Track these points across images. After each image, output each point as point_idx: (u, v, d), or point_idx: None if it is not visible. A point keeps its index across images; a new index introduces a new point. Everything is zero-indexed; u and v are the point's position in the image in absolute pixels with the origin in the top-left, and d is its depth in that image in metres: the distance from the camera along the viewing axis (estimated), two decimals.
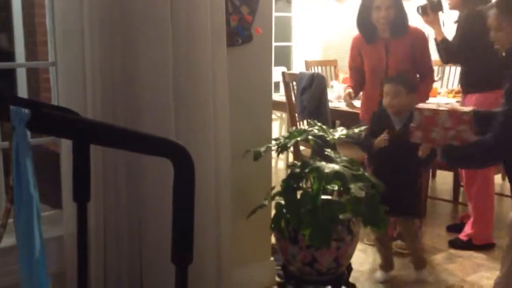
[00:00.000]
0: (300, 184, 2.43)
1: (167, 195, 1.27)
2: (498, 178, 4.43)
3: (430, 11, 3.29)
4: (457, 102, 4.03)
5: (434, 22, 3.31)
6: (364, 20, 3.38)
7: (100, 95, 2.00)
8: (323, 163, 2.29)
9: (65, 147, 2.04)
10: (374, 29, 3.31)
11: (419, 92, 3.12)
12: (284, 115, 5.07)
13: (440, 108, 2.33)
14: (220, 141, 2.27)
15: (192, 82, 2.13)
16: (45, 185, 2.70)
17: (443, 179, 4.64)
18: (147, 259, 2.18)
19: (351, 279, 2.67)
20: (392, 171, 2.77)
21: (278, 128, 5.57)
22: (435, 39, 3.35)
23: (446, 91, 4.46)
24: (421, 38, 3.30)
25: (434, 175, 4.73)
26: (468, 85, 3.35)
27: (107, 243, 2.11)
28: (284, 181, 2.38)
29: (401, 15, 3.26)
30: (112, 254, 2.12)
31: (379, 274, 3.01)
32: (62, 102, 2.07)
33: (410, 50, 3.27)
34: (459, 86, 3.54)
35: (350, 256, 2.49)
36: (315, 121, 2.69)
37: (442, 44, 3.31)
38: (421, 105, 2.46)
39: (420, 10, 3.34)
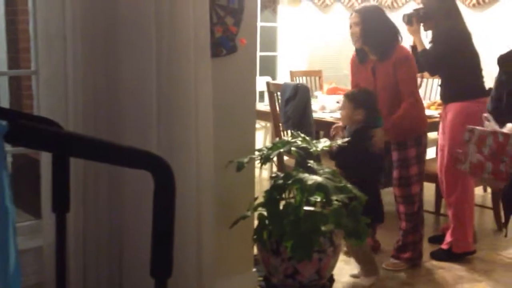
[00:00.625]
0: (283, 195, 2.43)
1: (148, 207, 1.27)
2: (479, 190, 4.48)
3: (415, 21, 3.36)
4: (439, 114, 4.08)
5: (417, 32, 3.39)
6: None
7: (82, 104, 1.98)
8: (306, 174, 2.29)
9: (45, 157, 2.02)
10: (364, 50, 3.28)
11: (395, 114, 3.10)
12: (269, 124, 5.08)
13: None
14: (203, 151, 2.26)
15: (175, 92, 2.12)
16: (27, 194, 2.68)
17: (425, 191, 4.66)
18: (127, 271, 2.15)
19: None
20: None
21: (263, 137, 5.57)
22: (413, 47, 3.43)
23: (428, 103, 4.50)
24: (402, 59, 3.14)
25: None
26: (448, 96, 3.40)
27: (86, 254, 2.09)
28: (267, 192, 2.38)
29: (383, 39, 3.16)
30: (92, 265, 2.09)
31: (364, 280, 3.01)
32: (43, 110, 2.05)
33: (393, 73, 3.17)
34: (440, 97, 3.57)
35: (332, 268, 2.49)
36: (299, 132, 2.70)
37: (422, 55, 3.36)
38: (489, 128, 2.35)
39: (405, 19, 3.40)
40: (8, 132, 1.01)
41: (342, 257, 3.05)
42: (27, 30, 2.24)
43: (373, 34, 3.17)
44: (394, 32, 3.19)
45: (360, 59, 3.33)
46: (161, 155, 1.95)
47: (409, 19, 3.39)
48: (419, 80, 4.53)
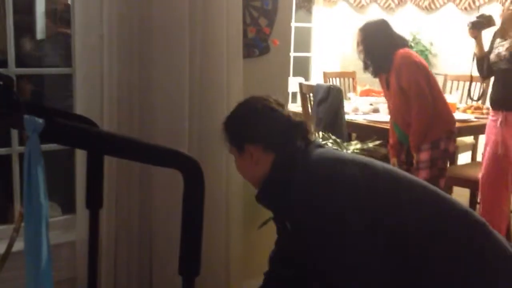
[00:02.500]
0: None
1: (179, 206, 1.28)
2: None
3: (479, 27, 3.29)
4: (476, 118, 3.99)
5: (478, 37, 3.31)
6: None
7: (116, 103, 2.02)
8: None
9: (80, 154, 2.06)
10: None
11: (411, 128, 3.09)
12: None
13: None
14: None
15: (207, 93, 2.14)
16: (64, 189, 2.74)
17: (459, 196, 4.58)
18: (157, 268, 2.19)
19: None
20: None
21: None
22: (475, 54, 3.35)
23: (464, 107, 4.41)
24: (399, 66, 3.10)
25: (450, 191, 4.68)
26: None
27: (118, 250, 2.13)
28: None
29: (379, 54, 3.15)
30: (123, 261, 2.13)
31: None
32: (80, 109, 2.10)
33: (397, 82, 3.14)
34: (496, 103, 3.25)
35: None
36: (330, 134, 2.68)
37: (481, 61, 3.30)
38: None
39: (470, 24, 3.32)
40: (44, 129, 1.04)
41: None
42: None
43: (372, 50, 3.18)
44: (393, 44, 3.15)
45: (371, 73, 3.34)
46: (192, 155, 1.98)
47: (475, 25, 3.30)
48: (441, 79, 4.42)
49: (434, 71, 6.38)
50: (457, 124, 3.64)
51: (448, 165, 3.28)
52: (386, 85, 3.29)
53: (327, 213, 1.39)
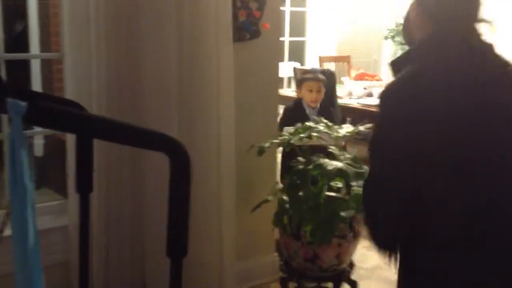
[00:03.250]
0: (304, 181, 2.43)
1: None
2: None
3: None
4: None
5: None
6: None
7: (105, 86, 2.02)
8: (327, 160, 2.29)
9: (70, 138, 2.07)
10: None
11: None
12: None
13: None
14: (224, 135, 2.29)
15: (196, 76, 2.14)
16: (57, 175, 2.74)
17: None
18: (148, 251, 2.21)
19: (354, 276, 2.67)
20: None
21: None
22: None
23: None
24: None
25: None
26: None
27: (109, 234, 2.14)
28: (288, 177, 2.39)
29: None
30: (114, 244, 2.15)
31: None
32: (69, 92, 2.11)
33: None
34: None
35: (352, 253, 2.49)
36: (322, 117, 2.69)
37: None
38: None
39: None
40: (27, 112, 1.04)
41: (364, 243, 3.05)
42: (58, 14, 2.29)
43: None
44: None
45: None
46: (182, 139, 1.99)
47: None
48: None
49: None
50: None
51: None
52: None
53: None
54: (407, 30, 1.54)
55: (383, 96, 1.38)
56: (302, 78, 3.48)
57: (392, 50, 6.34)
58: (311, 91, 3.32)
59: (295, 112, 3.30)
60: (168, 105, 2.08)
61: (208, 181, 2.28)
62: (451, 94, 1.32)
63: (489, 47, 1.42)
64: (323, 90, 3.35)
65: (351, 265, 2.61)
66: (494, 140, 1.33)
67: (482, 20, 1.43)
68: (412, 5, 1.51)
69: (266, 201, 2.49)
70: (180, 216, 1.29)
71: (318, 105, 3.37)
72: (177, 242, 1.30)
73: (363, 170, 2.28)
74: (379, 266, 3.10)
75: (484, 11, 1.45)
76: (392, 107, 1.35)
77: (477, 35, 1.42)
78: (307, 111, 3.34)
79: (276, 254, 2.92)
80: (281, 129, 2.93)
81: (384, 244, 1.40)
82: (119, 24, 2.02)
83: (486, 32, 1.44)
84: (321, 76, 3.41)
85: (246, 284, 2.76)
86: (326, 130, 2.40)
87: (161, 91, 2.07)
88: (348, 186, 2.22)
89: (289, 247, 2.49)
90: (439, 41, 1.41)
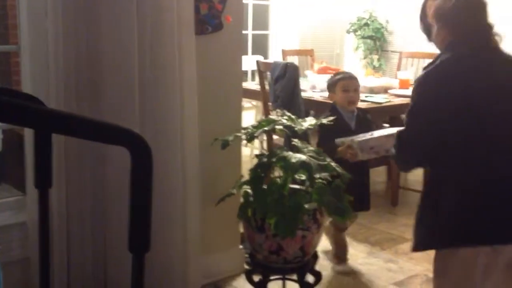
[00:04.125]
0: (268, 174, 2.44)
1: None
2: None
3: None
4: None
5: None
6: None
7: (63, 80, 1.98)
8: (290, 153, 2.30)
9: (28, 133, 2.02)
10: None
11: None
12: (260, 103, 5.08)
13: None
14: (187, 129, 2.27)
15: (158, 70, 2.12)
16: (16, 170, 2.67)
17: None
18: (111, 246, 2.18)
19: (317, 267, 2.70)
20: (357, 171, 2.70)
21: (254, 117, 5.57)
22: None
23: None
24: None
25: None
26: None
27: (70, 230, 2.11)
28: (251, 170, 2.39)
29: None
30: (76, 240, 2.12)
31: (341, 267, 3.05)
32: (27, 86, 2.06)
33: None
34: None
35: (316, 245, 2.52)
36: (285, 111, 2.70)
37: None
38: None
39: None
40: None
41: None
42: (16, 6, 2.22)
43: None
44: None
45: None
46: (144, 133, 1.97)
47: None
48: (397, 57, 4.43)
49: (389, 48, 6.50)
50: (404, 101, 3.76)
51: None
52: None
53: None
54: (435, 40, 1.95)
55: (418, 82, 1.87)
56: (334, 79, 3.10)
57: (354, 43, 6.42)
58: (347, 91, 2.97)
59: (333, 120, 2.64)
60: (129, 99, 2.05)
61: (171, 175, 2.26)
62: (467, 81, 1.77)
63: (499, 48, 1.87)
64: (359, 89, 3.06)
65: (315, 256, 2.63)
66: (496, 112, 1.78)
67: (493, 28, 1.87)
68: (436, 22, 1.90)
69: (230, 194, 2.48)
70: (142, 211, 1.28)
71: (355, 109, 3.01)
72: (139, 238, 1.29)
73: (326, 163, 2.30)
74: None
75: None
76: (425, 90, 1.83)
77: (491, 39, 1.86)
78: (345, 117, 2.97)
79: (241, 247, 2.93)
80: (323, 145, 2.69)
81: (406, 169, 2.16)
82: (78, 16, 1.98)
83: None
84: (354, 75, 3.15)
85: (212, 279, 2.76)
86: (289, 123, 2.42)
87: (122, 85, 2.04)
88: (311, 179, 2.24)
89: (253, 240, 2.49)
90: (455, 46, 1.85)
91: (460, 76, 1.79)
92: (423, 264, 3.11)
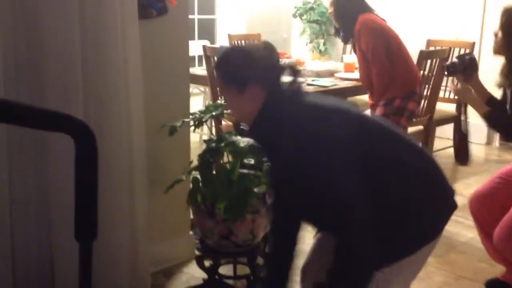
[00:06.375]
0: (217, 159, 2.44)
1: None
2: None
3: (460, 73, 2.45)
4: None
5: (466, 92, 2.45)
6: None
7: (2, 67, 1.90)
8: (239, 137, 2.31)
9: None
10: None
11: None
12: (208, 89, 5.05)
13: None
14: (133, 116, 2.24)
15: (100, 55, 2.07)
16: None
17: None
18: (56, 234, 2.12)
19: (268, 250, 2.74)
20: None
21: (202, 103, 5.54)
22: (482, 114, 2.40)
23: None
24: (358, 31, 3.25)
25: None
26: None
27: (14, 218, 2.04)
28: (200, 155, 2.38)
29: (346, 20, 3.31)
30: (20, 228, 2.05)
31: None
32: None
33: (358, 47, 3.34)
34: None
35: (266, 228, 2.55)
36: None
37: (492, 118, 2.38)
38: None
39: (446, 70, 2.51)
40: None
41: None
42: None
43: (342, 13, 3.30)
44: (360, 9, 3.29)
45: (342, 38, 3.46)
46: (88, 120, 1.92)
47: (452, 70, 2.46)
48: None
49: None
50: (350, 84, 3.86)
51: (406, 122, 3.37)
52: (354, 50, 3.46)
53: (312, 157, 1.58)
54: (241, 110, 1.75)
55: (297, 151, 1.60)
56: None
57: (301, 28, 6.46)
58: None
59: None
60: (71, 84, 1.99)
61: (118, 163, 2.23)
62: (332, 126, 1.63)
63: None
64: None
65: (265, 239, 2.67)
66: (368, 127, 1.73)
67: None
68: (237, 90, 1.69)
69: (179, 180, 2.47)
70: (87, 199, 1.25)
71: None
72: (86, 226, 1.26)
73: None
74: None
75: None
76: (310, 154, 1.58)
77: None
78: None
79: (191, 233, 2.93)
80: None
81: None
82: (15, 7, 1.89)
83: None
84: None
85: (163, 266, 2.75)
86: None
87: (63, 69, 1.97)
88: (260, 163, 2.26)
89: (203, 225, 2.49)
90: (277, 105, 1.68)
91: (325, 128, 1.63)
92: None
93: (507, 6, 2.38)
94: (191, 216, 2.78)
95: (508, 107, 2.37)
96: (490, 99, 2.47)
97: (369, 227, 1.54)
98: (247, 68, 1.69)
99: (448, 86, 2.62)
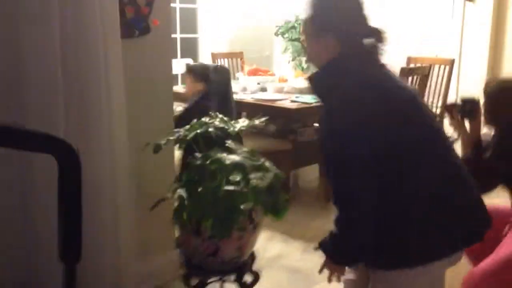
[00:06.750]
0: (202, 176, 2.43)
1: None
2: None
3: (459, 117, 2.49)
4: None
5: (464, 131, 2.47)
6: None
7: None
8: (224, 154, 2.31)
9: None
10: None
11: None
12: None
13: None
14: (117, 134, 2.23)
15: (83, 75, 2.06)
16: None
17: None
18: (42, 255, 2.09)
19: (256, 266, 2.72)
20: None
21: None
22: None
23: None
24: None
25: None
26: None
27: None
28: (185, 173, 2.37)
29: None
30: (2, 249, 2.01)
31: None
32: None
33: None
34: None
35: (253, 245, 2.54)
36: (217, 113, 2.70)
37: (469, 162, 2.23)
38: None
39: (461, 113, 2.49)
40: None
41: (264, 234, 3.12)
42: None
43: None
44: None
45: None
46: (71, 139, 1.90)
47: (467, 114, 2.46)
48: None
49: None
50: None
51: None
52: None
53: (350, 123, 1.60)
54: (312, 58, 1.80)
55: (336, 111, 1.63)
56: None
57: (283, 46, 6.51)
58: None
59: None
60: (53, 106, 1.97)
61: (101, 182, 2.21)
62: (384, 97, 1.64)
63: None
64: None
65: (253, 256, 2.65)
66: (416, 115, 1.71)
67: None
68: (314, 37, 1.74)
69: (164, 199, 2.46)
70: (72, 219, 1.24)
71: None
72: (70, 247, 1.25)
73: (260, 163, 2.32)
74: (280, 255, 3.19)
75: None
76: (357, 115, 1.59)
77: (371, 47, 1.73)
78: None
79: (177, 251, 2.90)
80: None
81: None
82: None
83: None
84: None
85: (148, 284, 2.71)
86: (222, 125, 2.42)
87: (45, 92, 1.96)
88: (246, 179, 2.25)
89: (189, 244, 2.47)
90: (352, 56, 1.69)
91: (376, 97, 1.63)
92: None
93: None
94: (177, 234, 2.76)
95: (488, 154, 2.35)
96: (478, 142, 2.44)
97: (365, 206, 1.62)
98: (330, 17, 1.72)
99: (447, 117, 2.55)
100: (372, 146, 1.59)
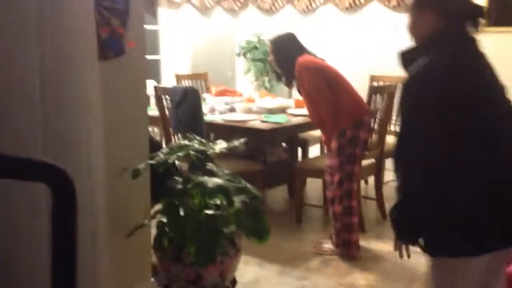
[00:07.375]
0: (183, 201, 2.36)
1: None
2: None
3: None
4: None
5: None
6: None
7: None
8: (206, 177, 2.26)
9: None
10: None
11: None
12: (156, 129, 4.96)
13: None
14: (93, 159, 2.13)
15: (61, 97, 1.96)
16: None
17: (313, 184, 4.84)
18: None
19: None
20: None
21: None
22: None
23: None
24: (298, 74, 3.43)
25: (305, 183, 4.92)
26: None
27: None
28: (165, 199, 2.30)
29: (288, 65, 3.48)
30: None
31: None
32: None
33: (302, 89, 3.51)
34: None
35: (235, 270, 2.48)
36: (193, 135, 2.65)
37: None
38: None
39: None
40: None
41: (242, 258, 3.05)
42: None
43: (282, 59, 3.52)
44: (297, 53, 3.46)
45: (284, 82, 3.66)
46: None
47: None
48: None
49: None
50: (302, 120, 3.93)
51: (362, 151, 3.48)
52: (299, 92, 3.62)
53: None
54: (413, 29, 1.86)
55: (416, 80, 1.72)
56: None
57: (246, 66, 6.53)
58: None
59: None
60: (31, 131, 1.87)
61: (79, 209, 2.09)
62: (467, 76, 1.71)
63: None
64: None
65: (234, 281, 2.59)
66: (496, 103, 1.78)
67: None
68: (416, 9, 1.84)
69: (143, 225, 2.37)
70: (68, 252, 1.15)
71: None
72: (66, 281, 1.16)
73: (242, 185, 2.28)
74: (257, 279, 3.13)
75: None
76: (426, 88, 1.68)
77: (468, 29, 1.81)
78: None
79: (153, 280, 2.80)
80: None
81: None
82: None
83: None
84: None
85: None
86: (201, 147, 2.37)
87: (22, 114, 1.85)
88: (230, 202, 2.20)
89: (169, 271, 2.39)
90: (449, 34, 1.77)
91: (468, 66, 1.74)
92: (334, 278, 3.18)
93: None
94: (154, 261, 2.66)
95: None
96: None
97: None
98: None
99: None
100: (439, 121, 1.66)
